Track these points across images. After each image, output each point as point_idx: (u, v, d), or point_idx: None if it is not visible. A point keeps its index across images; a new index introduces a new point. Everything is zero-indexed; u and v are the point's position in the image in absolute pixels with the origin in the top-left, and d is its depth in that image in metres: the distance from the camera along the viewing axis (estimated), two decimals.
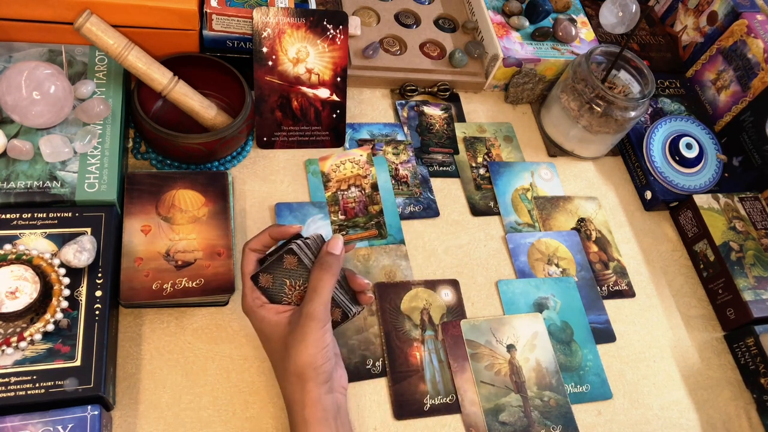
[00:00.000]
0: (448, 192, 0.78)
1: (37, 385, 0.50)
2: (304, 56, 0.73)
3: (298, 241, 0.55)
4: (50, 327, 0.52)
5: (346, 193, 0.58)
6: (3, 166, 0.58)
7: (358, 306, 0.57)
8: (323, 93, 0.75)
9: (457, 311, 0.69)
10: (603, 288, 0.76)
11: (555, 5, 0.90)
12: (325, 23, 0.74)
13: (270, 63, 0.72)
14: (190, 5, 0.66)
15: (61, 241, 0.56)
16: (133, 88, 0.66)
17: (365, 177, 0.57)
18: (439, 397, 0.63)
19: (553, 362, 0.67)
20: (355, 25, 0.82)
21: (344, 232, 0.58)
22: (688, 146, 0.84)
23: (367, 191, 0.57)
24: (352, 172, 0.57)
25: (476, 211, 0.78)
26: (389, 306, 0.67)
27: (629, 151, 0.87)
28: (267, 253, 0.58)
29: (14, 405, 0.49)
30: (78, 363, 0.51)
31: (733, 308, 0.75)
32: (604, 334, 0.72)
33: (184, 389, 0.58)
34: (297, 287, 0.55)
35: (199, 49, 0.71)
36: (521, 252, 0.75)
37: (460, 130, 0.84)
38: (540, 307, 0.71)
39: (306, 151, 0.76)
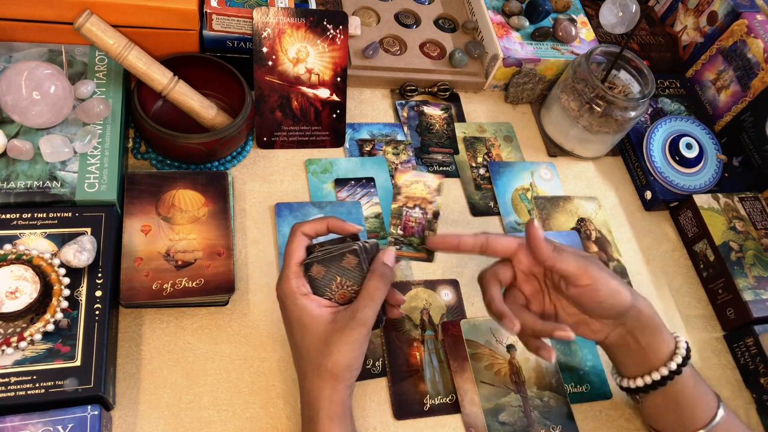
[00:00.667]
0: (448, 192, 0.78)
1: (37, 385, 0.50)
2: (304, 56, 0.73)
3: (361, 243, 0.55)
4: (50, 327, 0.52)
5: (410, 211, 0.60)
6: (3, 166, 0.58)
7: (385, 316, 0.58)
8: (323, 93, 0.75)
9: (457, 311, 0.69)
10: None
11: (555, 5, 0.90)
12: (325, 23, 0.74)
13: (270, 63, 0.72)
14: (190, 5, 0.66)
15: (61, 241, 0.56)
16: (133, 88, 0.66)
17: (431, 203, 0.60)
18: (439, 397, 0.63)
19: (553, 362, 0.67)
20: (355, 25, 0.82)
21: (398, 247, 0.59)
22: (688, 146, 0.84)
23: (428, 216, 0.60)
24: (422, 193, 0.60)
25: (476, 211, 0.78)
26: (389, 306, 0.67)
27: (629, 151, 0.87)
28: (315, 243, 0.57)
29: (14, 405, 0.49)
30: (78, 363, 0.51)
31: (733, 308, 0.75)
32: None
33: (184, 389, 0.58)
34: (345, 287, 0.55)
35: (199, 49, 0.71)
36: None
37: (460, 130, 0.84)
38: None
39: (306, 151, 0.76)
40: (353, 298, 0.55)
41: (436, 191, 0.59)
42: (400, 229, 0.60)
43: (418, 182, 0.59)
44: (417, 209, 0.60)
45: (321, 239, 0.58)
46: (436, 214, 0.60)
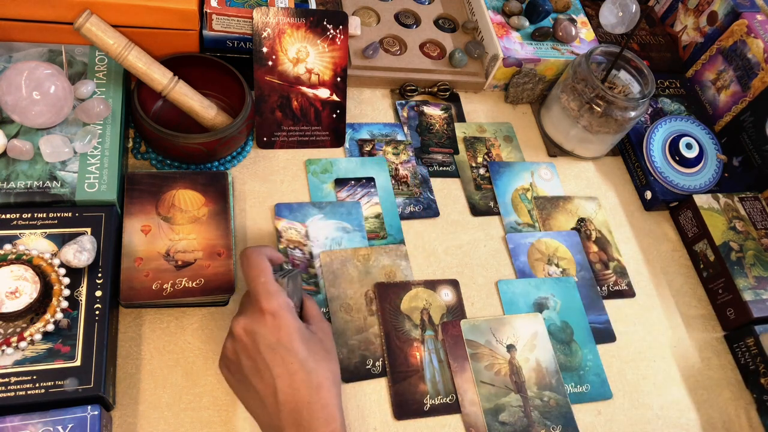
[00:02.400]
0: (448, 192, 0.78)
1: (37, 385, 0.50)
2: (304, 56, 0.73)
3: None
4: (50, 327, 0.52)
5: (293, 251, 0.68)
6: (3, 166, 0.58)
7: (298, 289, 0.58)
8: (323, 93, 0.75)
9: (457, 311, 0.69)
10: (603, 288, 0.76)
11: (555, 5, 0.90)
12: (325, 23, 0.74)
13: (270, 63, 0.72)
14: (190, 5, 0.66)
15: (61, 241, 0.56)
16: (133, 88, 0.66)
17: (305, 245, 0.68)
18: (439, 397, 0.63)
19: (553, 362, 0.67)
20: (355, 25, 0.82)
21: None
22: (688, 146, 0.84)
23: (306, 255, 0.68)
24: (295, 237, 0.68)
25: (476, 211, 0.78)
26: (389, 306, 0.67)
27: (629, 151, 0.87)
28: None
29: (14, 405, 0.49)
30: (78, 363, 0.51)
31: (733, 308, 0.75)
32: (604, 334, 0.72)
33: (184, 389, 0.58)
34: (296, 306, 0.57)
35: (199, 49, 0.71)
36: (521, 252, 0.75)
37: (460, 130, 0.84)
38: (540, 307, 0.71)
39: (306, 151, 0.76)
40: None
41: (305, 236, 0.68)
42: (291, 266, 0.67)
43: (291, 228, 0.68)
44: (297, 250, 0.67)
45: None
46: (311, 254, 0.68)
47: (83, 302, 0.54)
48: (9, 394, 0.49)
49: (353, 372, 0.63)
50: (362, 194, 0.74)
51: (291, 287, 0.56)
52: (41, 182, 0.58)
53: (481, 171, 0.81)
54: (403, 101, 0.84)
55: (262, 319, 0.51)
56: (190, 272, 0.59)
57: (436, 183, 0.78)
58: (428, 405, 0.63)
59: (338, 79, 0.75)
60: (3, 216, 0.56)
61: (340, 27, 0.74)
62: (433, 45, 0.87)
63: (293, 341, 0.51)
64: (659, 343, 0.74)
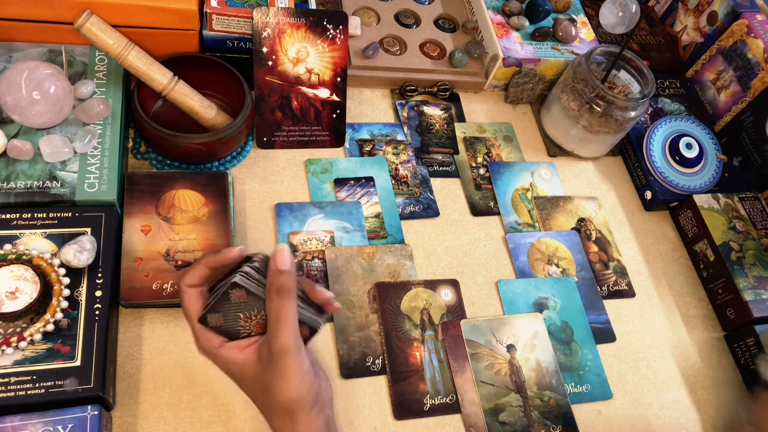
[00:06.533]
0: (448, 192, 0.78)
1: (37, 385, 0.50)
2: (304, 56, 0.73)
3: (243, 270, 0.49)
4: (50, 327, 0.52)
5: (310, 262, 0.67)
6: (3, 166, 0.58)
7: (324, 314, 0.52)
8: (323, 93, 0.75)
9: (457, 311, 0.69)
10: (603, 288, 0.76)
11: (555, 5, 0.90)
12: (325, 23, 0.74)
13: (270, 63, 0.72)
14: (190, 5, 0.66)
15: (61, 241, 0.56)
16: (133, 88, 0.66)
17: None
18: (439, 397, 0.63)
19: (553, 362, 0.67)
20: (355, 25, 0.82)
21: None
22: (688, 146, 0.84)
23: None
24: (317, 247, 0.68)
25: (476, 211, 0.78)
26: (389, 306, 0.67)
27: (629, 151, 0.87)
28: (211, 285, 0.52)
29: (14, 405, 0.49)
30: (78, 363, 0.51)
31: (733, 308, 0.75)
32: (604, 334, 0.72)
33: (184, 389, 0.58)
34: (254, 317, 0.49)
35: (199, 49, 0.71)
36: (521, 252, 0.75)
37: (460, 130, 0.84)
38: (540, 307, 0.71)
39: (306, 151, 0.76)
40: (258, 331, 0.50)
41: (330, 242, 0.67)
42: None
43: (311, 239, 0.68)
44: (316, 260, 0.67)
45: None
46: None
47: (83, 302, 0.54)
48: (9, 394, 0.49)
49: (353, 368, 0.63)
50: (362, 194, 0.74)
51: (225, 315, 0.49)
52: (41, 182, 0.58)
53: (481, 171, 0.81)
54: (403, 101, 0.84)
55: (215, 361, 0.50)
56: None
57: (436, 183, 0.78)
58: (428, 405, 0.63)
59: (338, 79, 0.75)
60: (3, 216, 0.56)
61: (340, 27, 0.74)
62: (433, 45, 0.87)
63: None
64: (659, 343, 0.74)
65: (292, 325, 0.47)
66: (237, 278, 0.48)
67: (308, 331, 0.51)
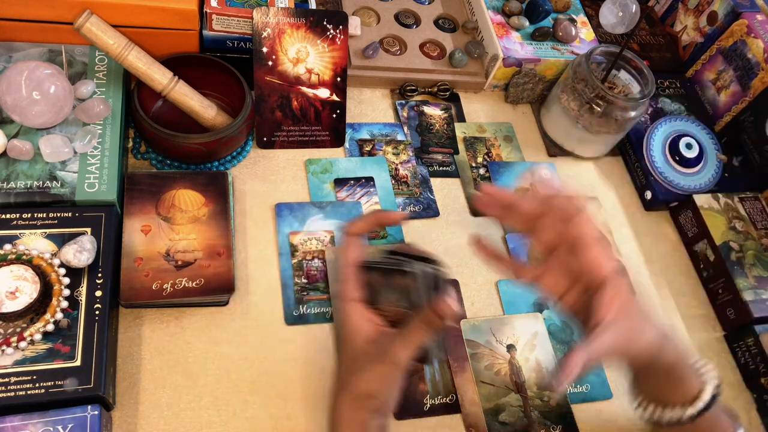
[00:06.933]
0: (448, 192, 0.78)
1: (37, 385, 0.50)
2: (304, 56, 0.73)
3: (420, 269, 0.51)
4: (50, 327, 0.52)
5: (310, 262, 0.67)
6: (3, 166, 0.58)
7: (438, 356, 0.54)
8: (323, 93, 0.75)
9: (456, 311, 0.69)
10: None
11: (555, 5, 0.90)
12: (325, 23, 0.74)
13: (270, 63, 0.72)
14: (190, 5, 0.66)
15: (61, 241, 0.56)
16: (133, 88, 0.66)
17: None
18: (439, 397, 0.63)
19: (553, 362, 0.67)
20: (355, 25, 0.82)
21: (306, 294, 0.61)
22: (688, 146, 0.84)
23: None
24: (316, 247, 0.68)
25: (476, 211, 0.78)
26: None
27: (629, 151, 0.87)
28: (392, 249, 0.53)
29: (14, 405, 0.49)
30: (78, 363, 0.51)
31: (733, 308, 0.75)
32: None
33: (184, 389, 0.58)
34: (395, 305, 0.51)
35: (199, 49, 0.71)
36: (521, 252, 0.75)
37: (460, 130, 0.84)
38: (540, 307, 0.71)
39: (306, 151, 0.76)
40: (406, 319, 0.51)
41: (330, 243, 0.67)
42: (305, 278, 0.66)
43: (311, 239, 0.68)
44: (316, 260, 0.67)
45: (388, 248, 0.54)
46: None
47: (83, 302, 0.54)
48: (9, 394, 0.49)
49: None
50: (362, 194, 0.74)
51: (384, 283, 0.51)
52: (41, 182, 0.58)
53: (481, 171, 0.81)
54: (403, 101, 0.84)
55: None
56: (190, 272, 0.59)
57: (436, 183, 0.78)
58: (428, 405, 0.63)
59: (338, 79, 0.75)
60: (3, 216, 0.56)
61: (340, 27, 0.74)
62: (433, 45, 0.87)
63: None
64: None
65: (415, 349, 0.49)
66: (417, 270, 0.50)
67: (422, 355, 0.51)
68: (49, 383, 0.50)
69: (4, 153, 0.58)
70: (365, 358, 0.50)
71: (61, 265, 0.54)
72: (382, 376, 0.49)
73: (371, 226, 0.55)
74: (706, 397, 0.52)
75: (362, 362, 0.50)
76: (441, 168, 0.80)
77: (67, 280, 0.54)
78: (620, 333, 0.51)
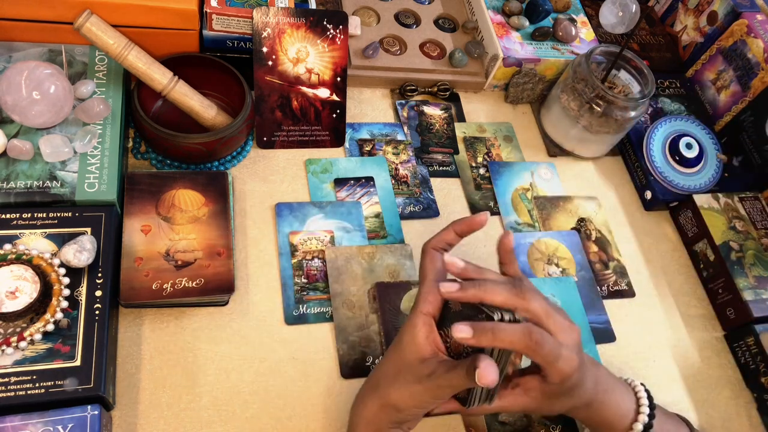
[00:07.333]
0: (448, 192, 0.78)
1: (37, 385, 0.50)
2: (304, 56, 0.73)
3: (503, 318, 0.48)
4: (50, 327, 0.52)
5: (310, 262, 0.67)
6: (3, 166, 0.58)
7: (488, 402, 0.52)
8: (323, 93, 0.75)
9: None
10: (603, 288, 0.76)
11: (555, 5, 0.90)
12: (325, 23, 0.74)
13: (270, 63, 0.72)
14: (190, 5, 0.66)
15: (61, 241, 0.56)
16: (133, 88, 0.66)
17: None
18: None
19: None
20: (355, 25, 0.82)
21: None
22: (688, 146, 0.84)
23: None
24: (317, 247, 0.68)
25: (476, 211, 0.77)
26: (389, 306, 0.67)
27: (629, 151, 0.87)
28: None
29: (14, 405, 0.49)
30: (78, 363, 0.51)
31: (733, 308, 0.75)
32: (604, 334, 0.72)
33: (184, 389, 0.58)
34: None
35: (199, 49, 0.71)
36: (521, 252, 0.75)
37: (460, 130, 0.84)
38: None
39: (306, 151, 0.76)
40: (464, 355, 0.50)
41: (330, 242, 0.68)
42: (305, 278, 0.66)
43: (311, 239, 0.68)
44: (316, 260, 0.67)
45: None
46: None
47: (83, 302, 0.54)
48: (9, 394, 0.49)
49: (353, 368, 0.63)
50: (362, 194, 0.74)
51: (460, 312, 0.50)
52: (41, 182, 0.58)
53: (481, 171, 0.81)
54: (403, 101, 0.84)
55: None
56: (190, 272, 0.59)
57: (436, 183, 0.78)
58: None
59: (338, 79, 0.75)
60: (3, 216, 0.56)
61: (340, 27, 0.74)
62: (433, 45, 0.87)
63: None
64: (659, 343, 0.74)
65: (461, 389, 0.48)
66: (496, 316, 0.48)
67: (464, 395, 0.51)
68: (49, 383, 0.50)
69: (4, 153, 0.58)
70: (410, 374, 0.49)
71: (61, 264, 0.54)
72: (417, 396, 0.49)
73: (449, 236, 0.54)
74: (639, 423, 0.54)
75: (405, 376, 0.49)
76: (441, 168, 0.80)
77: (67, 280, 0.54)
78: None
